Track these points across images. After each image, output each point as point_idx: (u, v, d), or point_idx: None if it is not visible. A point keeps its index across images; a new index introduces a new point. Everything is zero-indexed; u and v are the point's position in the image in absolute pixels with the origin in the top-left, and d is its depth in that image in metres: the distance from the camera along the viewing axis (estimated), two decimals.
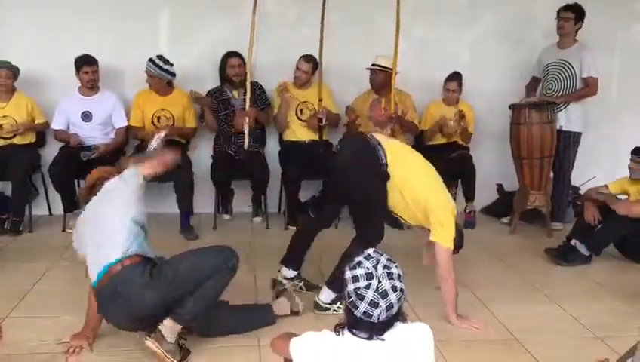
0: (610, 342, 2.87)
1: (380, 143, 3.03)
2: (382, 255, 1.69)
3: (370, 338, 1.66)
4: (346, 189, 3.09)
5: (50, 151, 4.78)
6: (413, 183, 2.99)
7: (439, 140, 4.96)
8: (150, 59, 4.56)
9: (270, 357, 2.15)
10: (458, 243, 3.05)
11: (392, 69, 4.50)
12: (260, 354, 2.71)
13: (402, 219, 3.15)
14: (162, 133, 4.43)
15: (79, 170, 4.58)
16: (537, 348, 2.82)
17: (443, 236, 2.94)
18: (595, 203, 4.05)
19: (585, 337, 2.97)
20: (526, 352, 2.79)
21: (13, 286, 3.45)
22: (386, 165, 2.96)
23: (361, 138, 3.24)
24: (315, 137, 4.85)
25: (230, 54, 4.78)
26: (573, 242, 4.04)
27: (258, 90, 4.87)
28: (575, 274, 3.85)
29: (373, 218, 3.08)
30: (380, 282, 1.62)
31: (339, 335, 1.69)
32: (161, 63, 4.55)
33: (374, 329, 1.66)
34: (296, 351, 1.77)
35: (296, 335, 1.81)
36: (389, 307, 1.62)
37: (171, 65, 4.60)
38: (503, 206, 5.12)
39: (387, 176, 2.97)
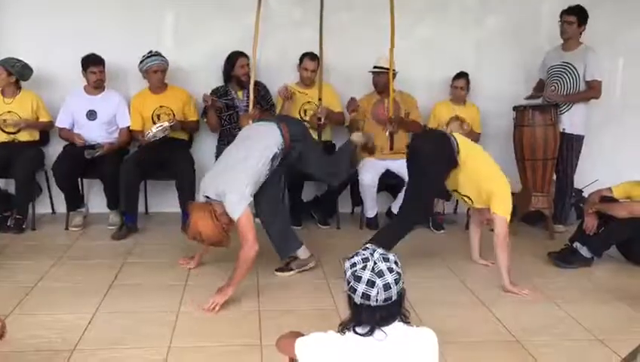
0: (612, 344, 2.87)
1: (453, 135, 3.69)
2: (378, 248, 1.74)
3: (372, 331, 1.67)
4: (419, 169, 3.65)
5: (54, 149, 4.80)
6: (483, 172, 3.62)
7: None
8: (146, 58, 4.57)
9: (273, 357, 2.16)
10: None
11: (392, 69, 4.53)
12: (262, 353, 2.71)
13: (468, 199, 3.71)
14: (165, 123, 4.44)
15: (83, 168, 4.60)
16: (538, 350, 2.82)
17: (502, 208, 3.52)
18: (597, 211, 3.96)
19: (586, 339, 2.97)
20: (527, 354, 2.79)
21: (16, 284, 3.47)
22: (458, 154, 3.57)
23: (439, 131, 4.24)
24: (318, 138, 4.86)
25: (238, 54, 4.76)
26: (575, 245, 4.03)
27: (262, 91, 4.87)
28: (577, 277, 3.85)
29: (426, 199, 3.77)
30: (375, 264, 1.66)
31: (342, 333, 1.70)
32: (154, 55, 4.60)
33: (375, 317, 1.67)
34: (301, 351, 1.77)
35: (301, 335, 1.82)
36: (387, 287, 1.64)
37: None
38: None
39: (456, 164, 3.56)
